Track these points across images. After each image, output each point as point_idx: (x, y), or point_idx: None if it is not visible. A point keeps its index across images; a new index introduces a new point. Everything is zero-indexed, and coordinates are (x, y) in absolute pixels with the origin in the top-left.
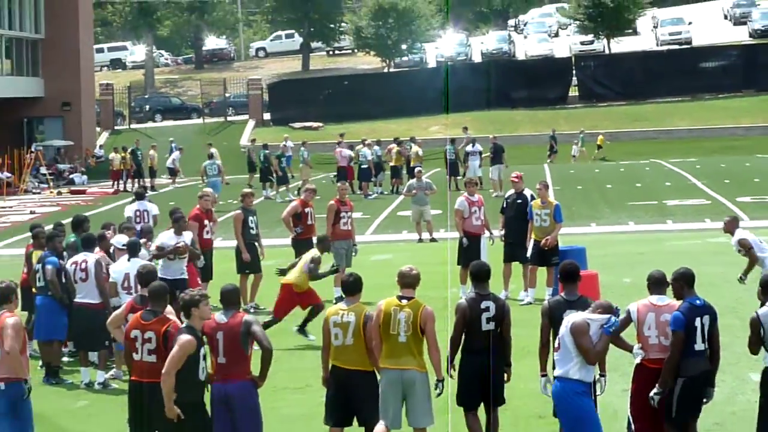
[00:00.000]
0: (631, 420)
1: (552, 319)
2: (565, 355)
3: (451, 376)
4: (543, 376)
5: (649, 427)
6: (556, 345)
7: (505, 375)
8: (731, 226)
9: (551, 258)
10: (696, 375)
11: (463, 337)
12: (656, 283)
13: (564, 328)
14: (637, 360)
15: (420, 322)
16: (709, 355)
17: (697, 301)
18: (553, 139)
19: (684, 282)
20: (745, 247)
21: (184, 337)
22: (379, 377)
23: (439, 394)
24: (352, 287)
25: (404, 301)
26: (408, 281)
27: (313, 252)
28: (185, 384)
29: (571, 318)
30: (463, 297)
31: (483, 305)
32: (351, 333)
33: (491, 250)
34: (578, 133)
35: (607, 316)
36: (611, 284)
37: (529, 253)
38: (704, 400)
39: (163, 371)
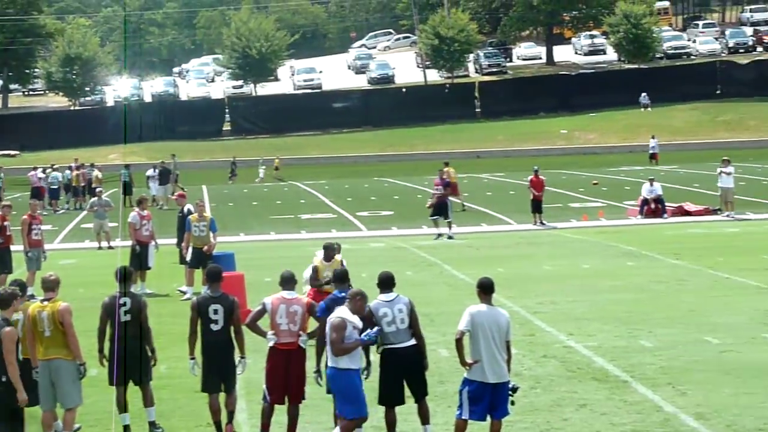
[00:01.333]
0: (267, 393)
1: (199, 312)
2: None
3: (101, 361)
4: (192, 359)
5: (280, 398)
6: (326, 339)
7: (152, 359)
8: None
9: (207, 261)
10: None
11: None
12: (286, 281)
13: (328, 324)
14: (271, 343)
15: (58, 317)
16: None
17: (342, 294)
18: (234, 164)
19: (334, 279)
20: None
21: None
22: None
23: (81, 376)
24: (49, 286)
25: (45, 303)
26: (48, 285)
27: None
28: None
29: (334, 314)
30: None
31: (122, 301)
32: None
33: (157, 255)
34: (259, 159)
35: (360, 327)
36: (255, 282)
37: (188, 258)
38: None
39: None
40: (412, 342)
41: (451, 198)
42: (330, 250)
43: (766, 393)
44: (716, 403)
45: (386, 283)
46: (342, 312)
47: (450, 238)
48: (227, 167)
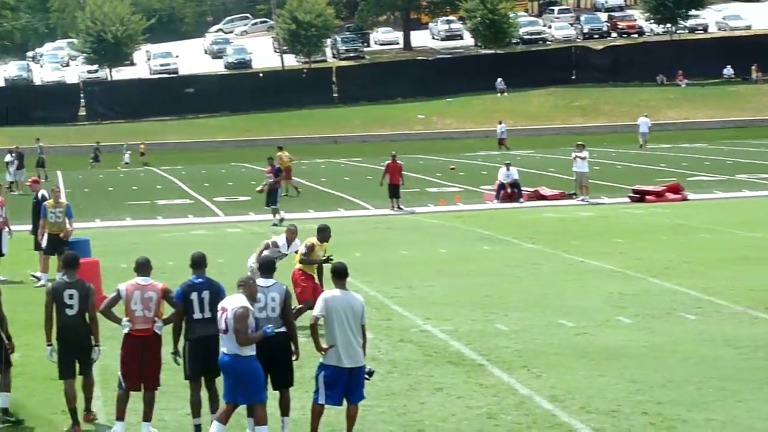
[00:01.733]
0: (122, 380)
1: (54, 296)
2: (233, 338)
3: None
4: (49, 345)
5: (135, 385)
6: (223, 327)
7: (9, 346)
8: None
9: (63, 247)
10: (198, 338)
11: None
12: (140, 267)
13: (230, 312)
14: (125, 330)
15: None
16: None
17: (199, 279)
18: (97, 149)
19: (192, 264)
20: None
21: None
22: None
23: None
24: None
25: None
26: None
27: (310, 239)
28: None
29: (233, 303)
30: None
31: None
32: None
33: (11, 241)
34: (123, 145)
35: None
36: (110, 269)
37: (44, 245)
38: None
39: None
40: (282, 329)
41: (283, 182)
42: (327, 232)
43: (619, 375)
44: (570, 385)
45: (266, 268)
46: (242, 301)
47: (279, 222)
48: (83, 153)
